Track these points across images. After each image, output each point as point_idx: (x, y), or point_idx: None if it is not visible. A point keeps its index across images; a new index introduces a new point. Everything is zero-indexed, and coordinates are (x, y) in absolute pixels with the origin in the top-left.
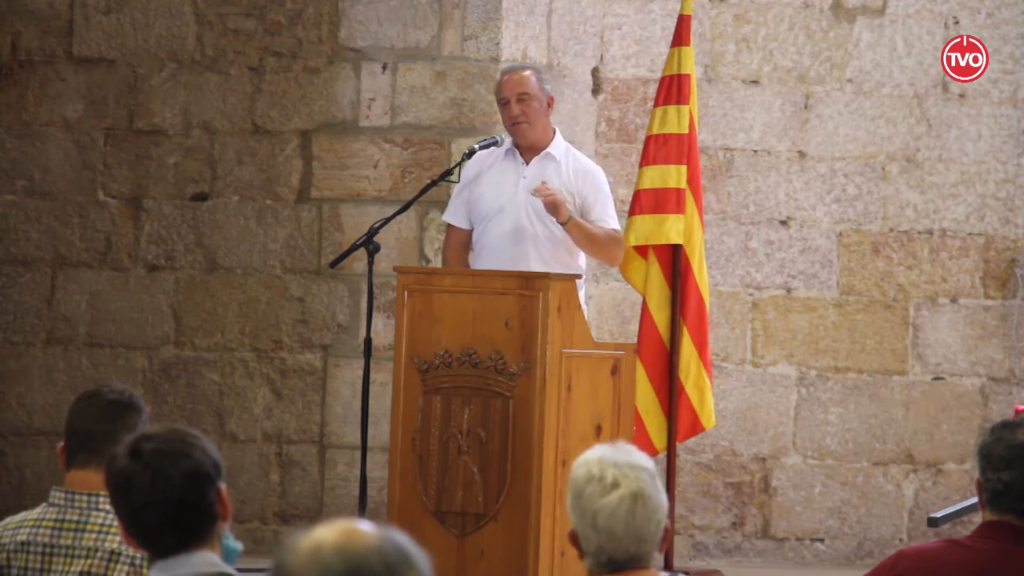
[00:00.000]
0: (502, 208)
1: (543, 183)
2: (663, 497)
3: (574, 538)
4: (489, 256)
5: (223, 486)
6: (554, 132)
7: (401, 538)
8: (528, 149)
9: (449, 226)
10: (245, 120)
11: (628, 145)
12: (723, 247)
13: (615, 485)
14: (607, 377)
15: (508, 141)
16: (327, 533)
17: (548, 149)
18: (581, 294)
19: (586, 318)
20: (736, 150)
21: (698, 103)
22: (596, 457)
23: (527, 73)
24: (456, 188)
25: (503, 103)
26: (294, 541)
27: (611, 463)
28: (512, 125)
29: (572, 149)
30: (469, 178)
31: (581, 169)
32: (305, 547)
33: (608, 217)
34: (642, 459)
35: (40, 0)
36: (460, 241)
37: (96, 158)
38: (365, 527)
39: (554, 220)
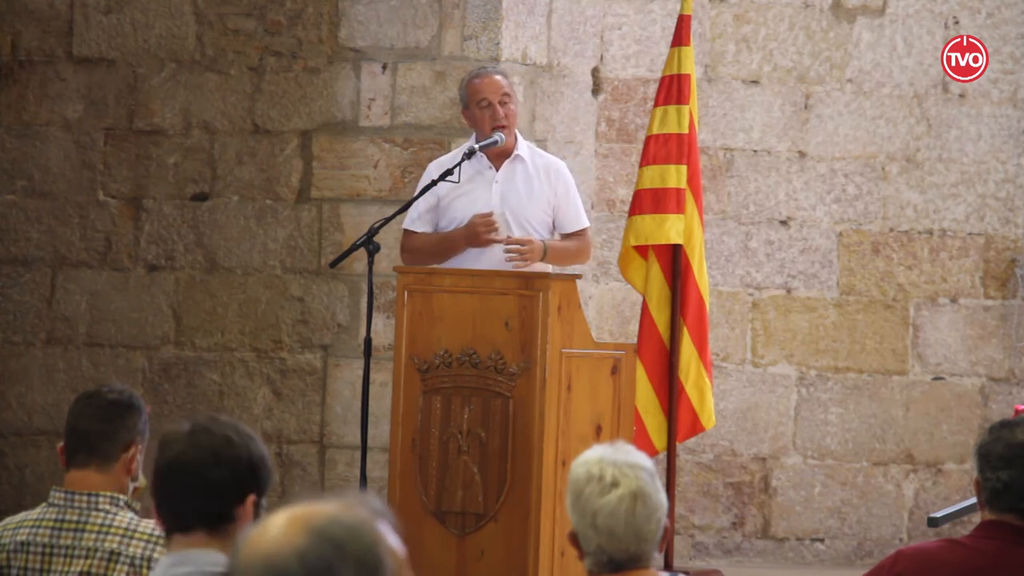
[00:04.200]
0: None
1: (508, 240)
2: (662, 496)
3: (574, 538)
4: (467, 262)
5: (257, 501)
6: (516, 134)
7: (342, 526)
8: (496, 154)
9: (410, 232)
10: (245, 120)
11: (628, 145)
12: (723, 247)
13: (614, 484)
14: (607, 377)
15: (466, 145)
16: (260, 542)
17: (516, 152)
18: None
19: None
20: (736, 150)
21: (698, 103)
22: (595, 457)
23: (500, 76)
24: (419, 196)
25: (484, 105)
26: (241, 548)
27: (610, 463)
28: (494, 129)
29: (534, 147)
30: (435, 187)
31: (551, 167)
32: (239, 563)
33: (580, 217)
34: (641, 458)
35: (40, 0)
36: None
37: (96, 158)
38: (300, 522)
39: (531, 224)
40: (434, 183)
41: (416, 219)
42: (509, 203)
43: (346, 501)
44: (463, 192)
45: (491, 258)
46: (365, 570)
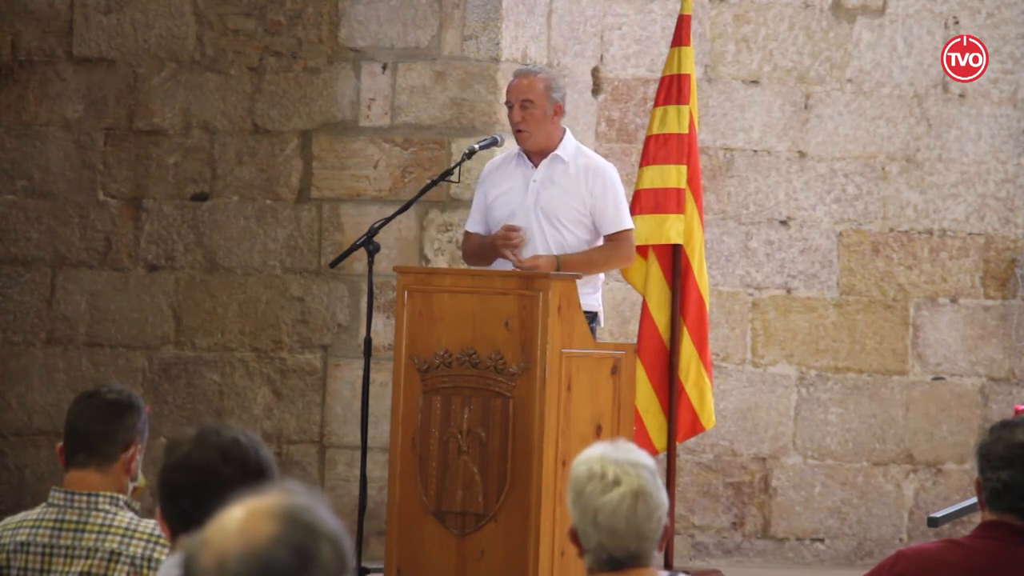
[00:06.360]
0: (513, 213)
1: (518, 265)
2: (663, 495)
3: (574, 536)
4: (501, 260)
5: None
6: (563, 133)
7: (302, 509)
8: (537, 153)
9: (466, 232)
10: (245, 120)
11: (628, 145)
12: (723, 247)
13: (616, 483)
14: (607, 377)
15: (517, 145)
16: (226, 539)
17: (556, 151)
18: (596, 298)
19: (601, 324)
20: (736, 150)
21: (698, 103)
22: (597, 455)
23: (535, 79)
24: (475, 196)
25: (508, 106)
26: (196, 553)
27: (612, 461)
28: (513, 131)
29: (582, 148)
30: (484, 184)
31: (592, 168)
32: (210, 563)
33: (620, 219)
34: (642, 457)
35: (40, 0)
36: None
37: (96, 158)
38: (260, 513)
39: (563, 224)
40: (433, 183)
41: (471, 220)
42: (542, 202)
43: (281, 489)
44: (504, 191)
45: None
46: (336, 545)
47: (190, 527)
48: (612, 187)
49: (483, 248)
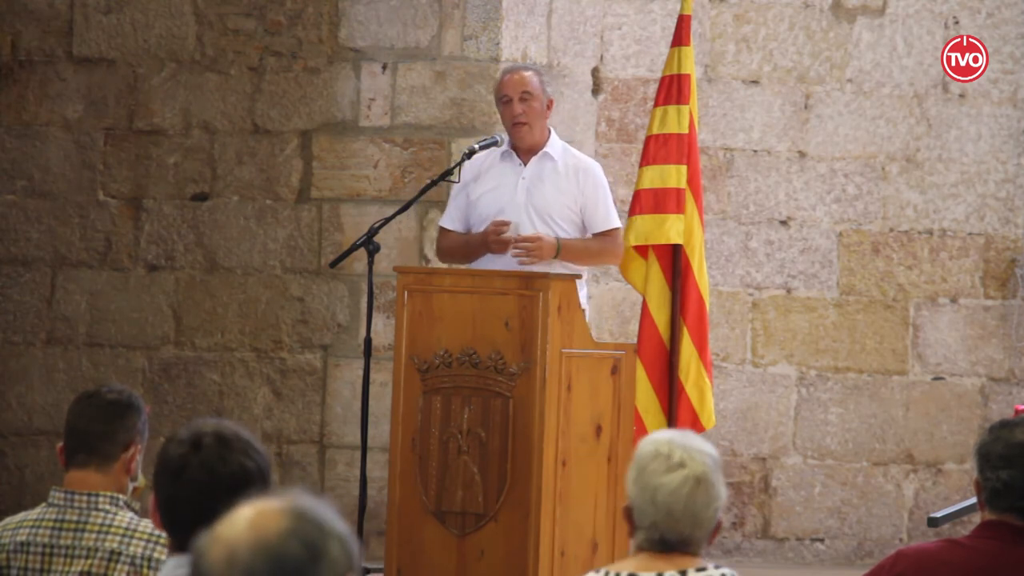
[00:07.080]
0: (502, 211)
1: (516, 241)
2: (723, 488)
3: (628, 513)
4: (491, 259)
5: None
6: (550, 132)
7: (311, 508)
8: (526, 150)
9: (443, 229)
10: (245, 120)
11: (628, 145)
12: (723, 247)
13: (681, 465)
14: (607, 377)
15: (505, 143)
16: (236, 532)
17: (545, 149)
18: (583, 294)
19: (587, 319)
20: (736, 150)
21: (698, 103)
22: (665, 437)
23: (529, 73)
24: (453, 192)
25: (505, 101)
26: (206, 549)
27: (679, 445)
28: (513, 125)
29: (569, 148)
30: (466, 181)
31: (581, 167)
32: (219, 555)
33: (609, 217)
34: (709, 447)
35: (40, 0)
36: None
37: (96, 158)
38: (270, 510)
39: (555, 221)
40: (433, 183)
41: (449, 217)
42: (534, 199)
43: (289, 493)
44: (491, 188)
45: (510, 261)
46: (344, 544)
47: (188, 531)
48: (602, 186)
49: (468, 245)
